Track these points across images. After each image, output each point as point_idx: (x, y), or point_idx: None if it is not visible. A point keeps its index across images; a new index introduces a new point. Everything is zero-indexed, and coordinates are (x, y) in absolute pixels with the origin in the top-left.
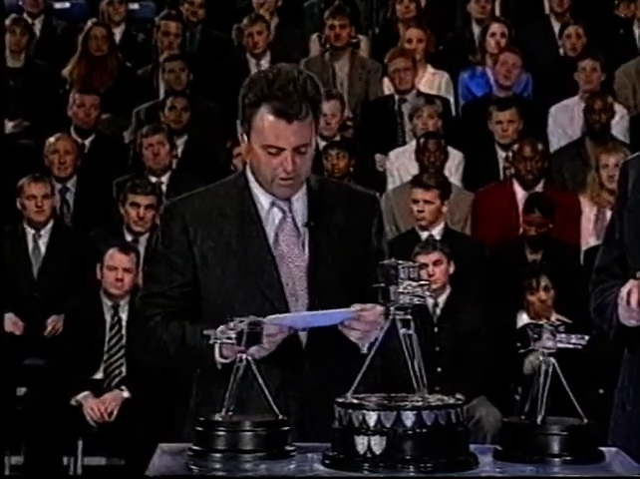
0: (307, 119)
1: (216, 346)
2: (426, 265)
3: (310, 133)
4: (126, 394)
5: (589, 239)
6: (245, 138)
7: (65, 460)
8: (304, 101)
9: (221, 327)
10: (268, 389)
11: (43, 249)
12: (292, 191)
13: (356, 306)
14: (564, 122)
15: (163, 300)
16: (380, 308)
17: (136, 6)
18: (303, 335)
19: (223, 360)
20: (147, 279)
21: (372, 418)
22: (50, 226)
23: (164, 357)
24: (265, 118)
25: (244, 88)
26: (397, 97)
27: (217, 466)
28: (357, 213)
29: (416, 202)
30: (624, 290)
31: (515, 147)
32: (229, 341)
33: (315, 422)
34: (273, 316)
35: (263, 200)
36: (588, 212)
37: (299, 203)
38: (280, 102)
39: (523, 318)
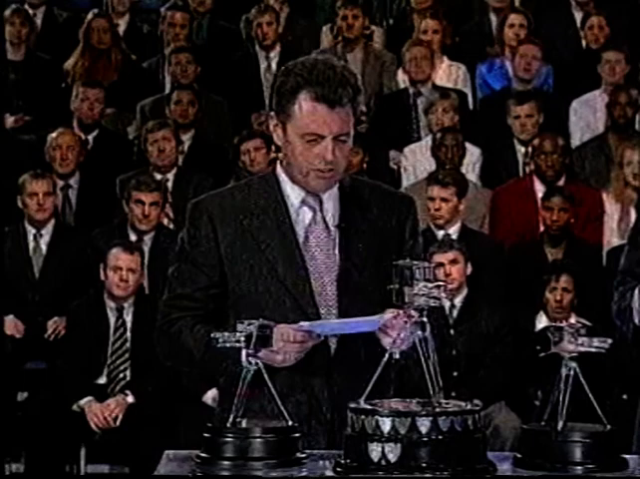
0: (348, 106)
1: (243, 351)
2: (442, 265)
3: (350, 122)
4: (130, 399)
5: (612, 238)
6: (280, 130)
7: (67, 468)
8: (345, 87)
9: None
10: (295, 396)
11: (44, 249)
12: (329, 184)
13: (390, 312)
14: (587, 116)
15: (189, 303)
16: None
17: None
18: (332, 342)
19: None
20: (171, 281)
21: (386, 424)
22: (51, 224)
23: (189, 363)
24: (305, 104)
25: (281, 76)
26: (412, 90)
27: (225, 474)
28: (391, 214)
29: (432, 199)
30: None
31: (535, 142)
32: (238, 345)
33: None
34: (307, 323)
35: (294, 198)
36: (611, 210)
37: (330, 202)
38: (321, 87)
39: (543, 320)
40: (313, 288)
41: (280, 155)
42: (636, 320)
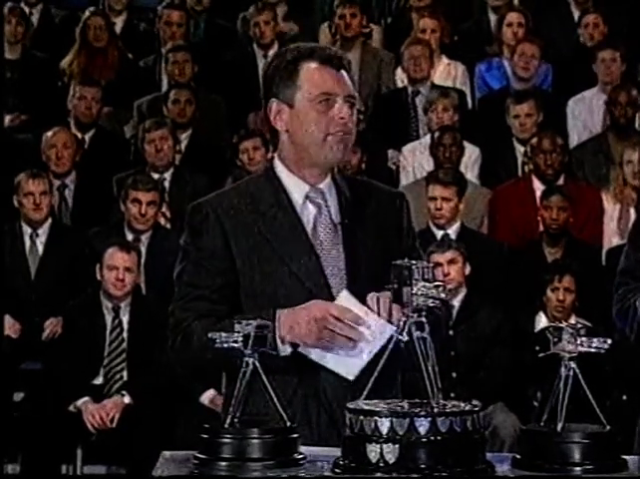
0: (350, 74)
1: (277, 331)
2: (440, 265)
3: (355, 89)
4: (127, 400)
5: (612, 238)
6: (285, 113)
7: (63, 468)
8: (345, 57)
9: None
10: (284, 391)
11: (40, 249)
12: (344, 151)
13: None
14: (583, 115)
15: (205, 304)
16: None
17: None
18: None
19: (288, 349)
20: (181, 286)
21: (384, 425)
22: (48, 224)
23: (205, 361)
24: (311, 69)
25: (274, 59)
26: (410, 89)
27: (223, 474)
28: (387, 211)
29: (433, 199)
30: None
31: (534, 141)
32: (236, 345)
33: (334, 424)
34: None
35: (297, 195)
36: (611, 209)
37: (332, 198)
38: (324, 53)
39: (542, 321)
40: (329, 282)
41: (278, 150)
42: None
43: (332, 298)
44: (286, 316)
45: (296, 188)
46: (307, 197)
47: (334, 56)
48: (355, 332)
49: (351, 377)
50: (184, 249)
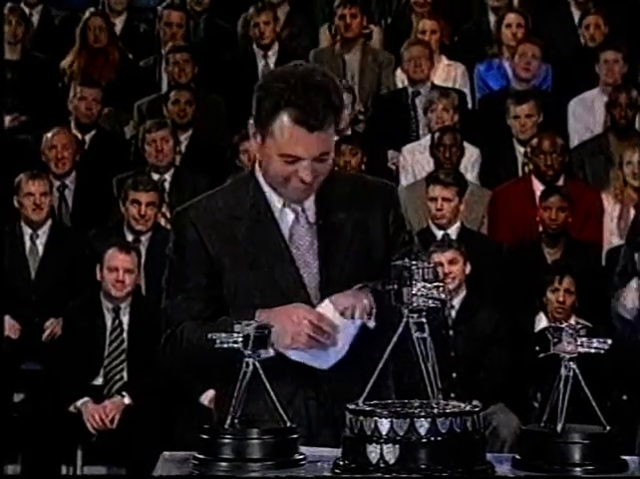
0: (330, 129)
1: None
2: (441, 264)
3: (331, 141)
4: (127, 401)
5: (612, 238)
6: (258, 141)
7: (63, 469)
8: (328, 110)
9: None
10: (283, 393)
11: (40, 250)
12: (307, 195)
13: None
14: (585, 116)
15: (193, 304)
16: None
17: None
18: None
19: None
20: (171, 286)
21: (384, 426)
22: (48, 225)
23: (193, 363)
24: (285, 125)
25: (261, 89)
26: (410, 89)
27: (223, 475)
28: (374, 206)
29: (434, 199)
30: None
31: (534, 141)
32: (236, 346)
33: (334, 425)
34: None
35: (276, 200)
36: (611, 210)
37: (310, 200)
38: (302, 111)
39: (542, 321)
40: (306, 286)
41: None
42: (628, 317)
43: (309, 302)
44: (264, 315)
45: (275, 196)
46: (285, 204)
47: (312, 116)
48: (328, 338)
49: (325, 367)
50: (170, 253)
